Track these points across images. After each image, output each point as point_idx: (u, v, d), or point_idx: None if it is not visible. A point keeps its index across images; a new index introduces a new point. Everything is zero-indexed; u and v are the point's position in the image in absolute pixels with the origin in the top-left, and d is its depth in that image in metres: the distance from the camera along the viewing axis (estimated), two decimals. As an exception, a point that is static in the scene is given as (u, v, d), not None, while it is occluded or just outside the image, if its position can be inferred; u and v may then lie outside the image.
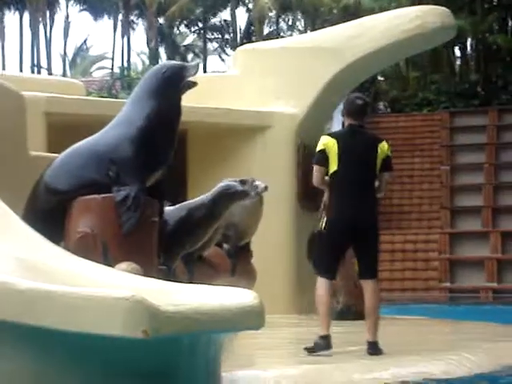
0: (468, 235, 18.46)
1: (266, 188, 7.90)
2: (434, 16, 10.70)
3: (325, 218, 5.79)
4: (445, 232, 18.70)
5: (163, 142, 5.67)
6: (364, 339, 5.61)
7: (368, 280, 5.65)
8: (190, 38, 36.15)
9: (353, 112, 5.74)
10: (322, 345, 5.50)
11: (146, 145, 5.58)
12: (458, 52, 25.09)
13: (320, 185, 5.69)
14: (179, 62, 6.10)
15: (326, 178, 5.70)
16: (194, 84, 5.79)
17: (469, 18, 22.17)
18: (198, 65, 6.03)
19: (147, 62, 33.97)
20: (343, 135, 5.76)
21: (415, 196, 19.97)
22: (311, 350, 5.53)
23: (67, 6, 35.52)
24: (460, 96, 22.09)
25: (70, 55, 39.16)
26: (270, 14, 31.15)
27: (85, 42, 40.94)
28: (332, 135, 5.80)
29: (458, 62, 25.27)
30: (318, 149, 5.68)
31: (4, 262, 4.08)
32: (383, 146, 5.74)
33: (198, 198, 7.10)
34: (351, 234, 5.59)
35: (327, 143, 5.64)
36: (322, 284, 5.63)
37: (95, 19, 35.95)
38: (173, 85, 5.66)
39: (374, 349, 5.55)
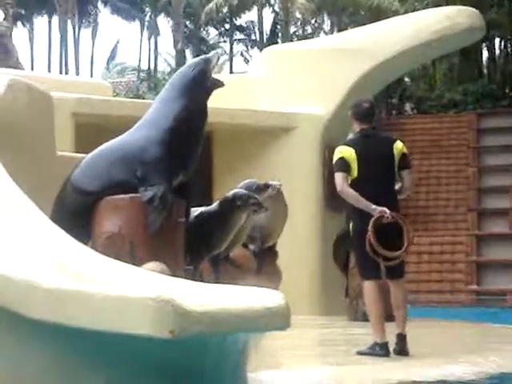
0: (495, 237, 18.30)
1: (279, 186, 7.92)
2: (463, 17, 10.64)
3: (351, 224, 5.75)
4: (471, 234, 18.55)
5: (190, 142, 5.69)
6: (388, 340, 5.59)
7: (395, 280, 5.65)
8: (216, 39, 36.22)
9: (360, 116, 5.76)
10: (381, 353, 5.47)
11: (172, 145, 5.60)
12: (485, 52, 24.89)
13: (345, 192, 5.58)
14: (201, 57, 6.06)
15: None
16: (221, 84, 5.78)
17: (498, 13, 22.03)
18: (216, 53, 5.99)
19: (174, 63, 34.08)
20: (358, 142, 5.72)
21: (442, 198, 19.83)
22: (364, 354, 5.52)
23: (96, 9, 35.76)
24: (487, 97, 21.92)
25: (97, 57, 39.44)
26: (297, 16, 31.10)
27: (116, 46, 41.16)
28: (347, 144, 5.78)
29: (485, 63, 25.07)
30: (336, 158, 5.64)
31: (33, 261, 4.12)
32: (398, 145, 5.73)
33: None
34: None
35: (344, 152, 5.63)
36: (369, 288, 5.60)
37: (124, 21, 36.15)
38: (199, 81, 5.67)
39: (401, 344, 5.54)
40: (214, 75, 5.86)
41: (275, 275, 8.19)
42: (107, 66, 39.09)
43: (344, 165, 5.60)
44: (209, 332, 3.67)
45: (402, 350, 5.56)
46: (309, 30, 32.50)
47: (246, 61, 34.96)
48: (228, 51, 33.79)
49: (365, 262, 5.65)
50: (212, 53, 5.97)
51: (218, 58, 5.84)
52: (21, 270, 3.92)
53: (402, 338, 5.58)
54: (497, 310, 14.15)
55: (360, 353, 5.57)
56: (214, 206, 6.84)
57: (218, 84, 5.77)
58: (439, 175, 20.14)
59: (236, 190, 6.92)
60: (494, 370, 5.17)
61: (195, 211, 6.65)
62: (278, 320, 3.84)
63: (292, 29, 31.20)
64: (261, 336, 4.03)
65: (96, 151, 5.88)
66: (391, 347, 5.57)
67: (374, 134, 5.77)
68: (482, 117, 20.86)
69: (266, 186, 7.87)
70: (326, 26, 31.96)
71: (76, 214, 5.66)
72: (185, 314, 3.54)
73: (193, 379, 3.82)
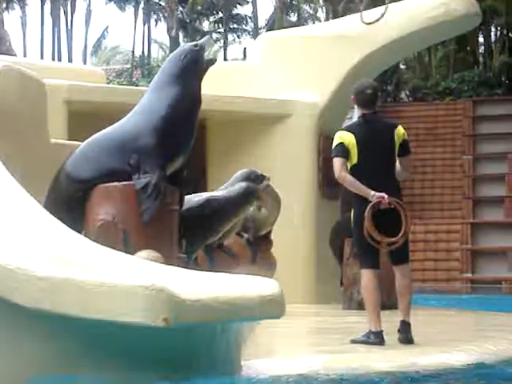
0: (490, 225, 18.31)
1: (267, 179, 7.94)
2: (459, 3, 10.59)
3: (352, 211, 5.72)
4: (467, 222, 18.55)
5: (184, 129, 5.65)
6: (384, 329, 5.58)
7: (399, 265, 5.64)
8: (211, 27, 36.06)
9: (363, 102, 5.69)
10: (376, 341, 5.45)
11: (167, 132, 5.56)
12: (481, 40, 24.83)
13: (342, 177, 5.54)
14: (194, 43, 6.01)
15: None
16: (212, 62, 5.71)
17: (495, 1, 21.99)
18: (209, 38, 5.89)
19: (167, 49, 33.93)
20: (359, 127, 5.68)
21: (437, 186, 19.83)
22: (358, 343, 5.49)
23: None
24: (483, 85, 21.88)
25: (90, 43, 39.24)
26: (293, 2, 30.98)
27: (106, 29, 40.95)
28: (347, 129, 5.74)
29: (482, 50, 25.02)
30: (335, 143, 5.61)
31: (26, 249, 4.10)
32: (399, 131, 5.69)
33: (222, 190, 7.07)
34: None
35: (344, 137, 5.59)
36: (365, 276, 5.56)
37: (118, 7, 35.96)
38: (193, 68, 5.62)
39: (405, 332, 5.52)
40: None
41: (270, 264, 8.18)
42: (94, 52, 38.90)
43: (343, 150, 5.56)
44: (202, 320, 3.65)
45: (405, 338, 5.53)
46: (304, 17, 32.38)
47: (241, 50, 34.88)
48: (223, 39, 33.66)
49: (363, 250, 5.62)
50: (205, 38, 5.90)
51: (212, 44, 5.77)
52: (15, 258, 3.90)
53: (405, 325, 5.56)
54: (492, 298, 14.17)
55: (354, 341, 5.55)
56: (228, 192, 6.85)
57: (210, 63, 5.70)
58: (434, 163, 20.12)
59: (246, 185, 6.91)
60: (489, 358, 5.15)
61: (202, 196, 6.67)
62: (273, 308, 3.83)
63: (287, 16, 31.07)
64: (255, 324, 4.02)
65: (90, 139, 5.85)
66: (388, 335, 5.55)
67: (376, 119, 5.71)
68: (478, 104, 20.82)
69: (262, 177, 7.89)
70: (322, 13, 31.85)
71: (70, 201, 5.63)
72: (178, 302, 3.52)
73: (186, 367, 3.81)
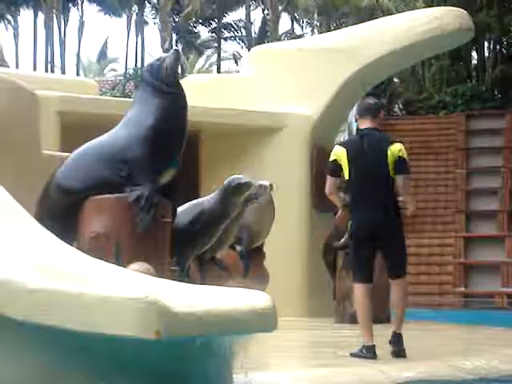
0: (483, 239, 18.32)
1: (271, 186, 7.91)
2: (452, 18, 10.65)
3: (349, 224, 5.77)
4: (460, 236, 18.57)
5: (172, 139, 5.63)
6: (377, 342, 5.57)
7: (395, 280, 5.64)
8: (205, 37, 36.12)
9: (361, 112, 5.72)
10: (368, 356, 5.45)
11: (156, 143, 5.55)
12: (474, 54, 24.95)
13: (330, 195, 5.67)
14: (158, 56, 6.00)
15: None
16: (175, 61, 5.64)
17: (488, 15, 22.15)
18: (175, 51, 5.83)
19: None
20: (352, 142, 5.78)
21: (430, 199, 19.84)
22: (354, 356, 5.52)
23: (82, 6, 35.59)
24: (476, 99, 21.96)
25: (83, 55, 39.27)
26: (287, 15, 31.06)
27: (105, 44, 41.00)
28: (343, 144, 5.81)
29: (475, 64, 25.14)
30: (330, 159, 5.70)
31: (17, 261, 4.07)
32: (394, 148, 5.59)
33: (205, 197, 7.09)
34: (373, 239, 5.55)
35: (338, 153, 5.64)
36: (358, 290, 5.59)
37: (110, 18, 36.03)
38: (158, 79, 5.62)
39: (397, 344, 5.53)
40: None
41: (262, 276, 8.15)
42: (99, 65, 38.91)
43: (335, 168, 5.64)
44: (195, 333, 3.62)
45: (397, 351, 5.53)
46: (298, 30, 32.50)
47: (236, 61, 34.92)
48: (221, 50, 33.67)
49: (356, 264, 5.63)
50: (171, 51, 5.90)
51: (176, 56, 5.71)
52: (4, 270, 3.86)
53: (396, 337, 5.56)
54: (484, 313, 14.16)
55: (352, 354, 5.54)
56: (211, 196, 6.87)
57: (175, 55, 5.66)
58: (428, 177, 20.14)
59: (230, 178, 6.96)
60: (480, 372, 5.14)
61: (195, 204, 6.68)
62: (265, 321, 3.81)
63: (281, 28, 31.15)
64: (247, 338, 3.99)
65: (80, 150, 5.83)
66: (382, 349, 5.53)
67: (371, 134, 5.65)
68: (471, 118, 20.88)
69: (260, 187, 7.88)
70: (316, 26, 31.92)
71: (60, 212, 5.61)
72: (170, 315, 3.50)
73: (178, 381, 3.78)
